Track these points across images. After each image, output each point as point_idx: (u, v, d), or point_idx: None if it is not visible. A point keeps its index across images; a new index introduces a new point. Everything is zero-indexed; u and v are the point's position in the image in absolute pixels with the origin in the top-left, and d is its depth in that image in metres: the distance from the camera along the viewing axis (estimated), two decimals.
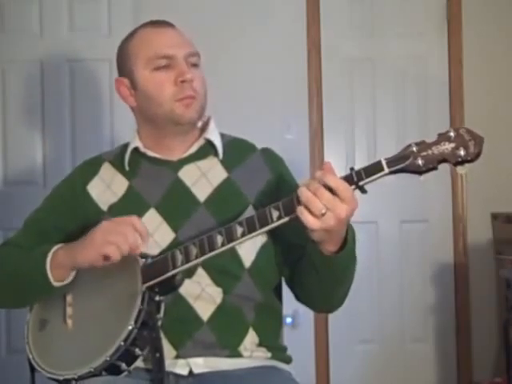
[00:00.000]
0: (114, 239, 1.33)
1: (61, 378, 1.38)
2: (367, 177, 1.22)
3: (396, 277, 3.19)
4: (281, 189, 1.52)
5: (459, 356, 3.19)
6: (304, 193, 1.21)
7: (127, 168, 1.55)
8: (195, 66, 1.52)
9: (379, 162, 1.21)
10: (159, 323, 1.37)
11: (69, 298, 1.46)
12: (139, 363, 1.39)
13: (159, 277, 1.36)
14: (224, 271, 1.44)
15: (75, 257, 1.39)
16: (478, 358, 3.16)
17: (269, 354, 1.49)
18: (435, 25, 3.24)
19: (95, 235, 1.36)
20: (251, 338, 1.47)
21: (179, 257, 1.35)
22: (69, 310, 1.45)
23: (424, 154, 1.20)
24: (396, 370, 3.17)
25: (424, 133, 3.11)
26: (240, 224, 1.30)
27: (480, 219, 3.18)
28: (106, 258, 1.34)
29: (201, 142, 1.55)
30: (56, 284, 1.42)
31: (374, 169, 1.21)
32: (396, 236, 3.22)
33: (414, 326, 3.19)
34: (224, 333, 1.44)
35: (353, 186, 1.22)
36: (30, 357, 1.45)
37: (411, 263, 3.20)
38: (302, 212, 1.21)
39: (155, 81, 1.48)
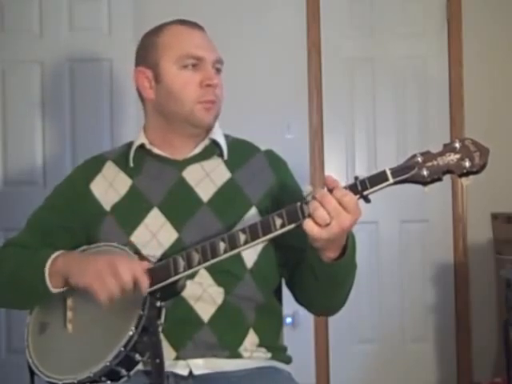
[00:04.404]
0: (109, 281, 1.31)
1: (60, 382, 1.37)
2: (372, 186, 1.22)
3: (396, 277, 3.20)
4: (283, 191, 1.52)
5: (459, 356, 3.19)
6: (313, 203, 1.22)
7: (131, 164, 1.54)
8: (218, 72, 1.54)
9: (384, 172, 1.22)
10: (160, 329, 1.37)
11: (69, 302, 1.45)
12: (139, 366, 1.39)
13: (161, 282, 1.36)
14: (226, 271, 1.43)
15: (69, 273, 1.39)
16: (478, 358, 3.17)
17: (269, 355, 1.49)
18: (435, 25, 3.24)
19: (95, 265, 1.35)
20: (251, 338, 1.47)
21: (181, 263, 1.34)
22: (69, 314, 1.44)
23: (429, 164, 1.21)
24: (396, 370, 3.17)
25: (424, 133, 3.11)
26: (243, 231, 1.30)
27: (480, 219, 3.18)
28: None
29: (206, 142, 1.54)
30: (54, 290, 1.42)
31: (378, 178, 1.22)
32: (396, 236, 3.22)
33: (414, 326, 3.19)
34: (224, 334, 1.44)
35: (357, 196, 1.22)
36: (30, 360, 1.44)
37: (411, 263, 3.21)
38: (306, 222, 1.22)
39: (181, 79, 1.48)
